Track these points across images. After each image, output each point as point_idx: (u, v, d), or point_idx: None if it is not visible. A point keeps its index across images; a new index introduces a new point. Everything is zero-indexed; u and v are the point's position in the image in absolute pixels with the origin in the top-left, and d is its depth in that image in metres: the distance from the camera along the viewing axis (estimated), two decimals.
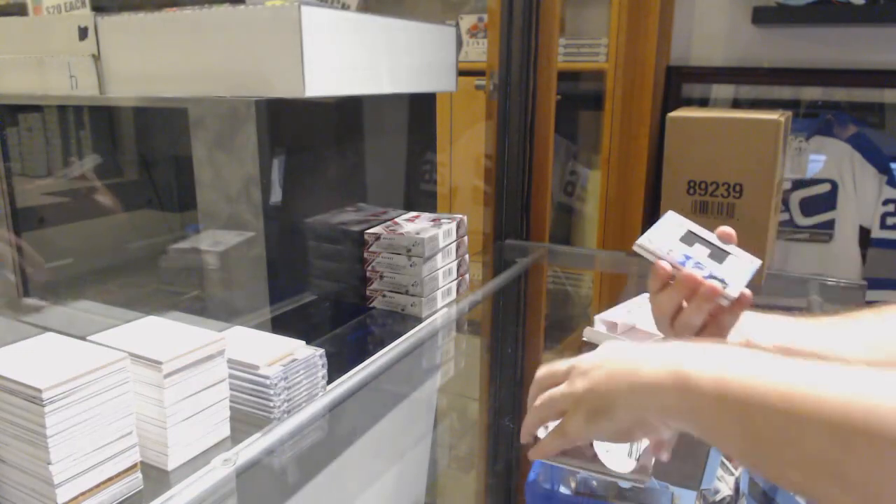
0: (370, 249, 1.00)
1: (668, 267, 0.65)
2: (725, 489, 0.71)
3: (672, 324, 0.66)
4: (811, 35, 1.75)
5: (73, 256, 1.15)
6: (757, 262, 0.67)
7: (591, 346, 0.95)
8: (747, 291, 0.64)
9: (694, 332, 0.64)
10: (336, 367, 0.78)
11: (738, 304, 0.63)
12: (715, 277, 0.64)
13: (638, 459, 0.63)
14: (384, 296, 1.01)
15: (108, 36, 0.83)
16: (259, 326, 0.84)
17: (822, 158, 1.76)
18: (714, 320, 0.64)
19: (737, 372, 0.39)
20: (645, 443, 0.66)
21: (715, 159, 1.09)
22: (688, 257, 0.65)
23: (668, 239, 0.67)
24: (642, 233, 0.69)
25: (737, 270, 0.66)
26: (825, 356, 0.53)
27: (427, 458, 0.85)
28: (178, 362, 0.60)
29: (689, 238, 0.68)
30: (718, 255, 0.67)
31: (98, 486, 0.54)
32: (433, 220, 1.05)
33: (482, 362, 1.05)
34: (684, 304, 0.65)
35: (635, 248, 0.66)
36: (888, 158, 1.72)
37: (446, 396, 0.96)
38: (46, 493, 0.52)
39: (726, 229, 0.68)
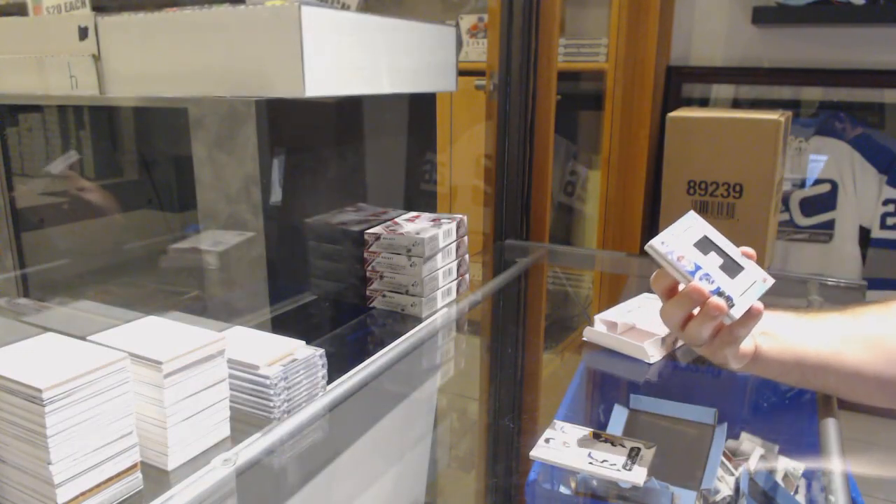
0: (370, 249, 1.00)
1: (675, 275, 0.63)
2: (725, 489, 0.71)
3: (681, 332, 0.65)
4: (811, 35, 1.75)
5: (73, 256, 1.15)
6: (770, 282, 0.65)
7: (592, 345, 0.95)
8: (759, 305, 0.62)
9: (703, 343, 0.65)
10: (336, 367, 0.78)
11: (750, 317, 0.62)
12: (722, 293, 0.62)
13: (637, 461, 0.63)
14: (384, 296, 1.01)
15: (108, 36, 0.83)
16: (259, 326, 0.84)
17: (822, 158, 1.77)
18: (727, 329, 0.64)
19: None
20: (643, 445, 0.66)
21: (715, 159, 1.09)
22: (698, 267, 0.63)
23: (681, 243, 0.64)
24: (642, 234, 0.68)
25: (747, 288, 0.63)
26: (830, 360, 0.68)
27: (427, 458, 0.85)
28: (178, 362, 0.60)
29: (705, 245, 0.65)
30: (731, 267, 0.65)
31: (98, 486, 0.54)
32: (433, 220, 1.05)
33: (482, 362, 1.05)
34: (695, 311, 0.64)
35: (647, 249, 0.64)
36: (888, 158, 1.72)
37: (446, 396, 0.96)
38: (46, 493, 0.52)
39: (748, 250, 0.67)
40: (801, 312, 0.72)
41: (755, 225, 1.07)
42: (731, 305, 0.61)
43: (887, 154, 1.72)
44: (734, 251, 0.66)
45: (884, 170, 1.72)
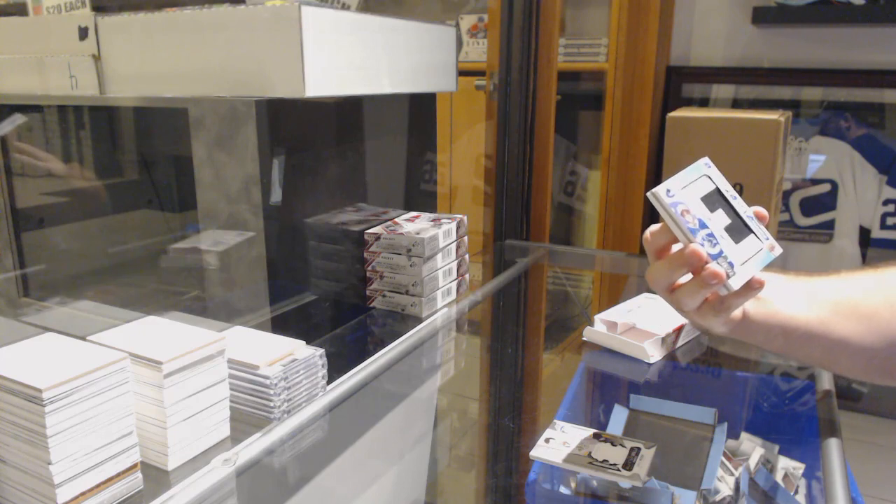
0: (370, 249, 1.00)
1: (675, 231, 0.56)
2: (725, 489, 0.71)
3: (669, 295, 0.60)
4: (811, 35, 1.75)
5: (73, 256, 1.15)
6: (778, 251, 0.59)
7: (592, 345, 0.95)
8: (760, 277, 0.56)
9: (690, 309, 0.59)
10: (336, 367, 0.78)
11: (749, 289, 0.56)
12: (724, 259, 0.55)
13: (637, 461, 0.63)
14: (384, 296, 1.01)
15: (108, 36, 0.83)
16: (259, 326, 0.84)
17: (822, 158, 1.77)
18: (718, 297, 0.58)
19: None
20: (643, 445, 0.66)
21: (715, 159, 1.09)
22: (703, 225, 0.55)
23: (689, 194, 0.56)
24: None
25: (751, 255, 0.57)
26: (817, 329, 0.64)
27: (427, 458, 0.85)
28: (178, 362, 0.60)
29: (713, 200, 0.58)
30: (738, 230, 0.57)
31: (98, 486, 0.54)
32: (433, 220, 1.05)
33: (482, 362, 1.05)
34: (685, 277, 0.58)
35: (650, 196, 0.56)
36: (888, 158, 1.72)
37: (446, 396, 0.96)
38: (46, 493, 0.52)
39: (761, 210, 0.60)
40: (791, 275, 0.68)
41: None
42: (731, 275, 0.55)
43: (887, 154, 1.72)
44: (745, 210, 0.59)
45: (884, 170, 1.72)
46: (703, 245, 0.55)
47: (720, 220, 0.57)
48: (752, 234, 0.58)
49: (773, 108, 1.15)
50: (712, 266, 0.55)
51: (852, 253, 1.76)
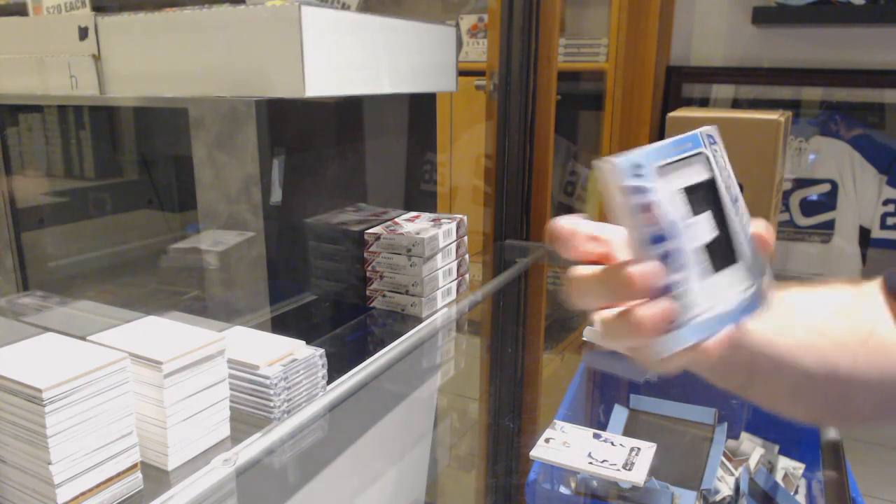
0: (370, 249, 1.00)
1: (626, 228, 0.35)
2: (725, 489, 0.71)
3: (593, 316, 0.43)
4: (811, 35, 1.75)
5: (73, 256, 1.15)
6: (771, 297, 0.39)
7: (592, 346, 0.95)
8: (714, 341, 0.36)
9: (614, 347, 0.43)
10: (336, 367, 0.78)
11: (693, 351, 0.36)
12: (678, 297, 0.35)
13: (637, 461, 0.63)
14: (384, 296, 1.01)
15: (108, 36, 0.83)
16: (259, 326, 0.84)
17: (822, 158, 1.77)
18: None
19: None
20: (643, 445, 0.66)
21: None
22: (663, 236, 0.34)
23: (667, 182, 0.35)
24: None
25: (719, 301, 0.36)
26: (786, 362, 0.48)
27: (427, 458, 0.85)
28: (178, 362, 0.60)
29: (701, 196, 0.36)
30: (723, 252, 0.37)
31: (98, 486, 0.54)
32: (433, 220, 1.05)
33: (482, 362, 1.05)
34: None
35: (599, 166, 0.35)
36: (888, 158, 1.72)
37: (446, 396, 0.96)
38: (46, 493, 0.52)
39: (764, 235, 0.39)
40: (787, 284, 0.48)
41: None
42: (675, 327, 0.35)
43: (887, 154, 1.72)
44: (741, 225, 0.38)
45: (884, 170, 1.72)
46: (658, 265, 0.34)
47: (702, 230, 0.36)
48: (736, 265, 0.37)
49: (773, 108, 1.15)
50: (645, 311, 0.34)
51: (852, 253, 1.76)
